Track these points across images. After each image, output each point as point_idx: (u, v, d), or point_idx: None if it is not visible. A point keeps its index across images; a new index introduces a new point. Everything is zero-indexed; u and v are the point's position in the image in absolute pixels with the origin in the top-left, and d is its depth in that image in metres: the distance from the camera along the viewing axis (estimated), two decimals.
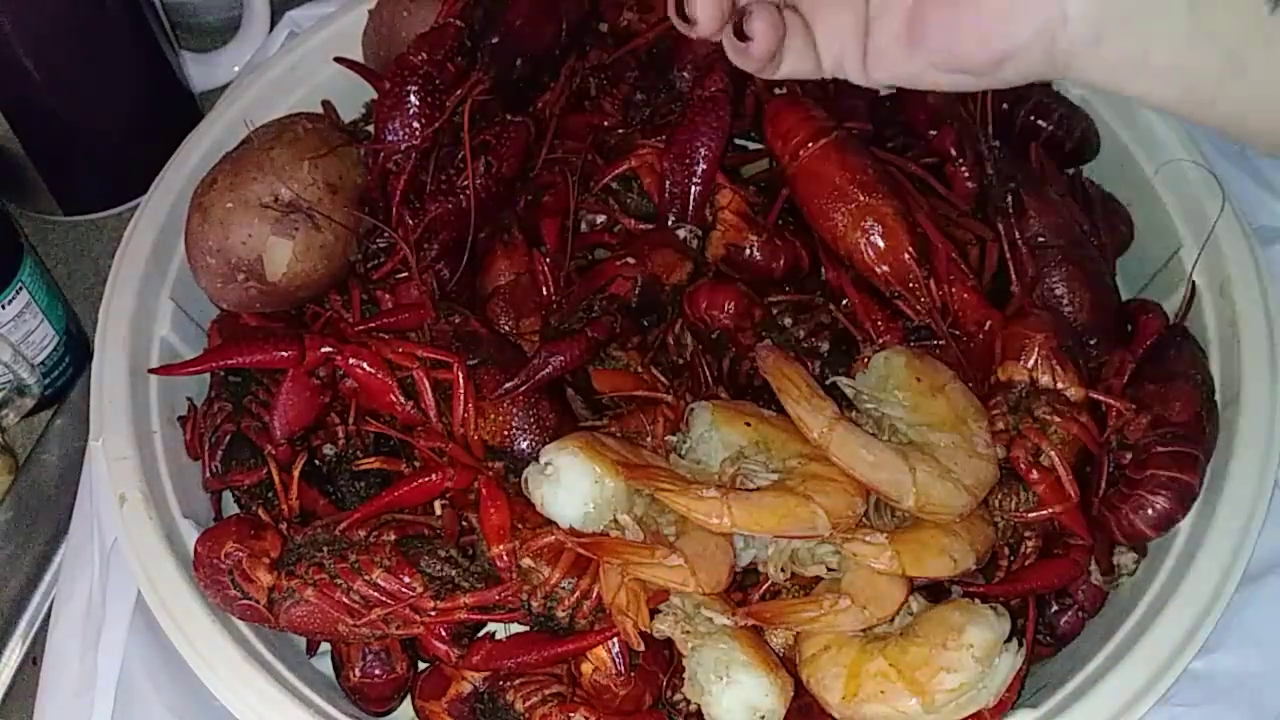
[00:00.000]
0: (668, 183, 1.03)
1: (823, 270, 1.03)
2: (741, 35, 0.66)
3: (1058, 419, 0.89)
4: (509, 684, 0.88)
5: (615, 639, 0.84)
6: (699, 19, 0.65)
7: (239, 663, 0.85)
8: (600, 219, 1.09)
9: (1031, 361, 0.91)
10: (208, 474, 0.99)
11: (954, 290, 0.98)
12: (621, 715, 0.87)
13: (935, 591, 0.87)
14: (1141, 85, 0.63)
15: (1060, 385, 0.91)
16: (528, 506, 0.85)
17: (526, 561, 0.84)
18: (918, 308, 0.97)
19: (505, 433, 0.92)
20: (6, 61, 1.14)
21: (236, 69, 1.37)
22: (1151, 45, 0.61)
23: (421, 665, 0.96)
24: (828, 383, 0.89)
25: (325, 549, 0.87)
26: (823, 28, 0.71)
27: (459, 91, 1.01)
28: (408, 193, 1.01)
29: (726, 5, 0.66)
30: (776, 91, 1.14)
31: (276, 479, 0.94)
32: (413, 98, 0.99)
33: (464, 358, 0.92)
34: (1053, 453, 0.88)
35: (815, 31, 0.71)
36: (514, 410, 0.92)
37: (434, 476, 0.88)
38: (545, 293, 1.03)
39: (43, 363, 1.15)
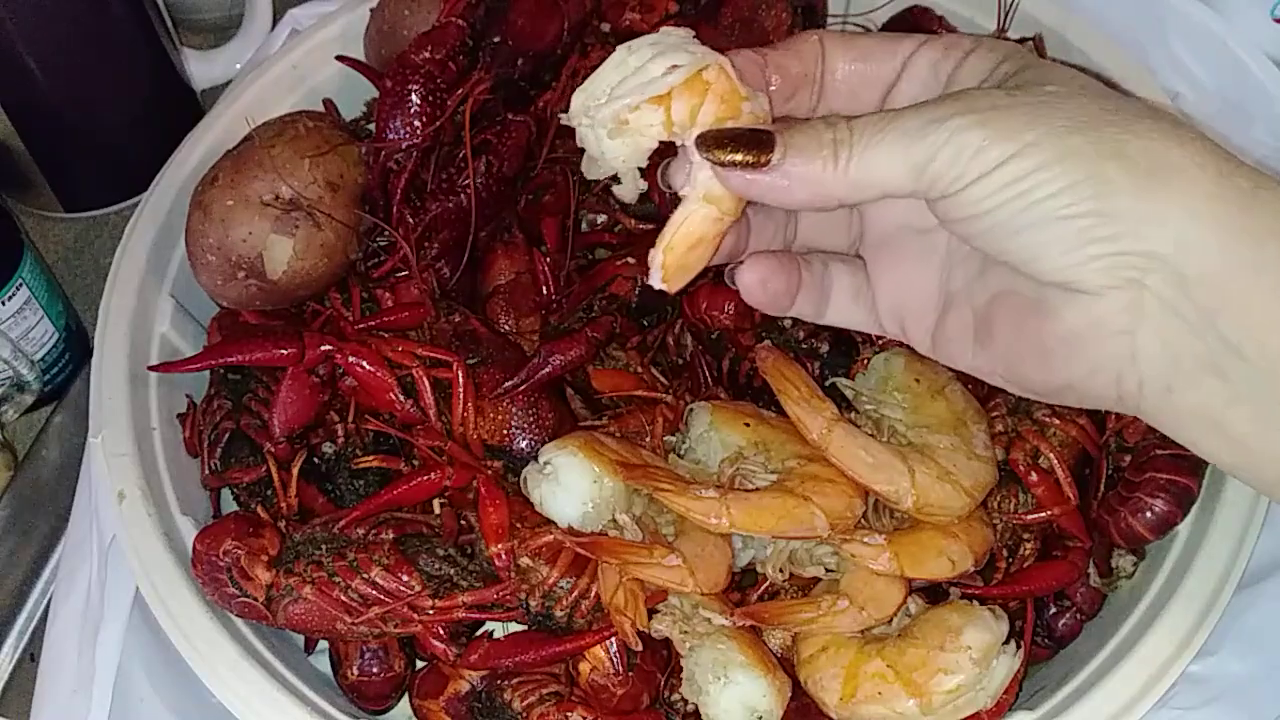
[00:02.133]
0: None
1: None
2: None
3: (1057, 421, 0.89)
4: (507, 683, 0.88)
5: (613, 639, 0.84)
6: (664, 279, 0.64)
7: (237, 660, 0.85)
8: (601, 218, 1.09)
9: None
10: (207, 471, 0.99)
11: None
12: (619, 715, 0.87)
13: (934, 593, 0.87)
14: (1214, 445, 0.59)
15: None
16: (526, 506, 0.85)
17: (525, 560, 0.84)
18: None
19: (504, 432, 0.92)
20: (8, 58, 1.14)
21: (238, 67, 1.37)
22: (1226, 407, 0.57)
23: (419, 664, 0.96)
24: (827, 384, 0.89)
25: (324, 547, 0.87)
26: (885, 293, 0.68)
27: (460, 90, 1.01)
28: (408, 191, 1.01)
29: (731, 243, 0.64)
30: None
31: (275, 477, 0.94)
32: (414, 96, 0.99)
33: (464, 357, 0.92)
34: (1051, 455, 0.88)
35: (875, 291, 0.68)
36: (513, 409, 0.92)
37: (433, 475, 0.88)
38: (545, 292, 1.03)
39: (42, 359, 1.15)
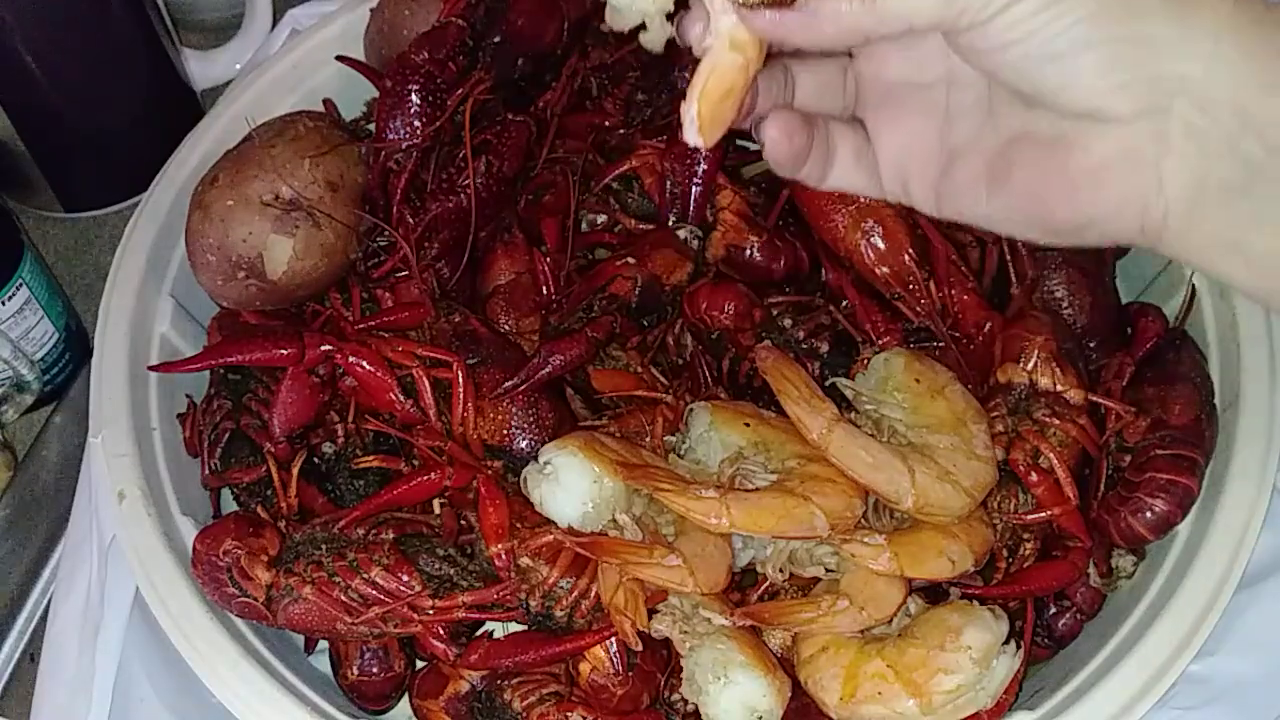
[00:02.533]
0: (668, 183, 1.04)
1: (823, 271, 1.03)
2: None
3: (1057, 421, 0.89)
4: (507, 683, 0.88)
5: (613, 639, 0.84)
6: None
7: (237, 660, 0.85)
8: (601, 219, 1.09)
9: (1031, 364, 0.91)
10: (207, 471, 0.99)
11: (954, 292, 0.98)
12: (619, 715, 0.87)
13: (933, 593, 0.87)
14: (1234, 268, 0.59)
15: (1060, 388, 0.91)
16: (526, 506, 0.85)
17: (525, 560, 0.84)
18: (918, 309, 0.97)
19: (504, 432, 0.92)
20: (8, 58, 1.14)
21: (238, 67, 1.37)
22: (1249, 228, 0.58)
23: (419, 664, 0.96)
24: (827, 384, 0.89)
25: (324, 547, 0.87)
26: (887, 150, 0.67)
27: (460, 90, 1.01)
28: (408, 191, 1.01)
29: (749, 104, 0.63)
30: None
31: (275, 477, 0.94)
32: (414, 96, 0.99)
33: (463, 357, 0.92)
34: (1052, 455, 0.88)
35: (876, 149, 0.68)
36: (513, 409, 0.92)
37: (433, 475, 0.88)
38: (545, 292, 1.03)
39: (42, 359, 1.15)
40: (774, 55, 0.66)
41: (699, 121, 0.60)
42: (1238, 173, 0.56)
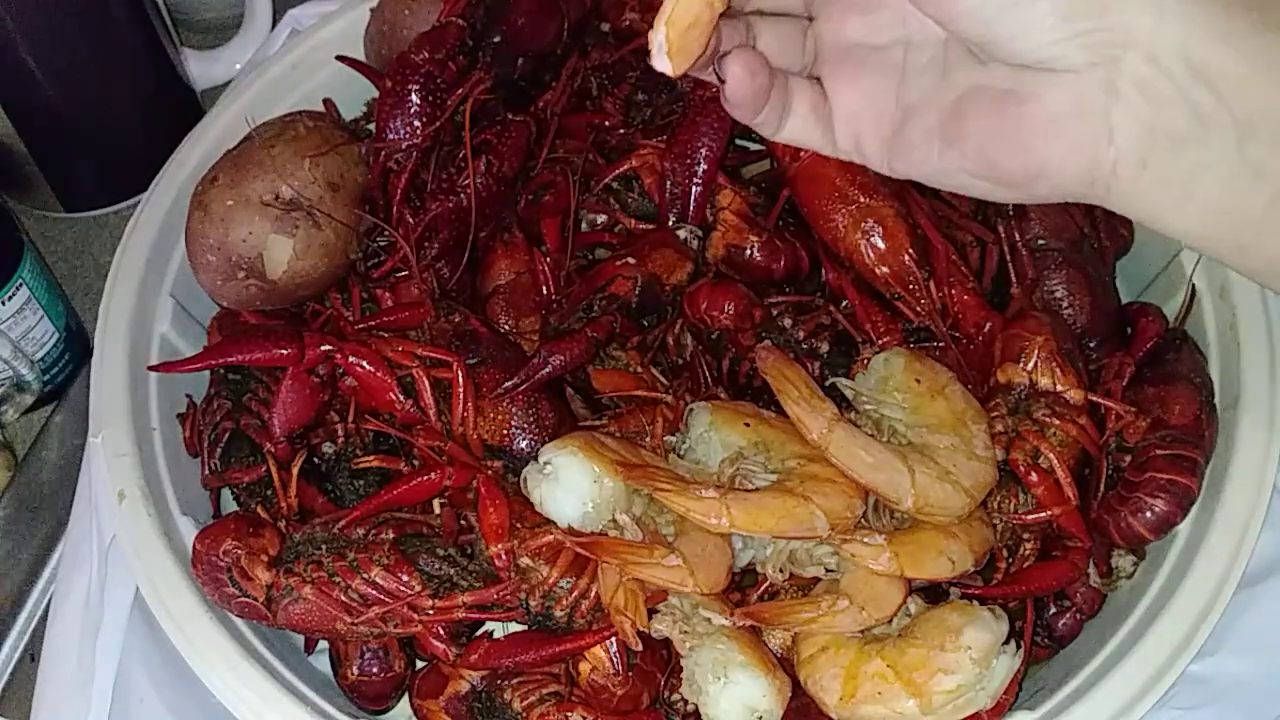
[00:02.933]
0: (668, 183, 1.04)
1: (823, 271, 1.03)
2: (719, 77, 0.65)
3: (1057, 421, 0.89)
4: (507, 683, 0.88)
5: (613, 639, 0.84)
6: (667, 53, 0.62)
7: (237, 660, 0.85)
8: (601, 219, 1.09)
9: (1031, 364, 0.91)
10: (207, 471, 0.99)
11: (954, 292, 0.98)
12: (619, 715, 0.87)
13: (933, 593, 0.87)
14: (1183, 218, 0.61)
15: (1060, 388, 0.91)
16: (526, 506, 0.85)
17: (525, 560, 0.84)
18: (918, 309, 0.97)
19: (504, 432, 0.92)
20: (8, 58, 1.14)
21: (238, 66, 1.37)
22: (1197, 177, 0.59)
23: (419, 664, 0.96)
24: (827, 384, 0.89)
25: (324, 547, 0.87)
26: (843, 106, 0.68)
27: (460, 90, 1.01)
28: (408, 191, 1.01)
29: (713, 46, 0.64)
30: None
31: (275, 477, 0.94)
32: (414, 96, 0.99)
33: (463, 357, 0.92)
34: (1052, 455, 0.88)
35: (833, 105, 0.68)
36: (513, 409, 0.92)
37: (433, 475, 0.88)
38: (545, 292, 1.03)
39: (42, 359, 1.15)
40: (736, 13, 0.68)
41: (667, 46, 0.62)
42: (1187, 122, 0.57)
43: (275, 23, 1.35)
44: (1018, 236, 1.01)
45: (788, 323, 0.99)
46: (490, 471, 0.90)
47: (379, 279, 1.02)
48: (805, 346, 0.98)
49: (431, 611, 0.85)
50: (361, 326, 0.97)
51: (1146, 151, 0.59)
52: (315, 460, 0.97)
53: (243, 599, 0.86)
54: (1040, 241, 1.02)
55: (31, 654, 1.05)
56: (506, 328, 1.02)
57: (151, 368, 1.00)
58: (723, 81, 0.65)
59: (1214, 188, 0.59)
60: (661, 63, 0.63)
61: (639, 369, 0.98)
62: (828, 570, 0.84)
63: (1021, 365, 0.91)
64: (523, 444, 0.91)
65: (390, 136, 0.99)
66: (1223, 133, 0.58)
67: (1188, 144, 0.58)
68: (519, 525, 0.85)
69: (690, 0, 0.62)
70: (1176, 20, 0.56)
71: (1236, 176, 0.59)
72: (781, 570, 0.84)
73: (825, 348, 0.98)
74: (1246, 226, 0.60)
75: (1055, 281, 1.00)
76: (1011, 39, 0.58)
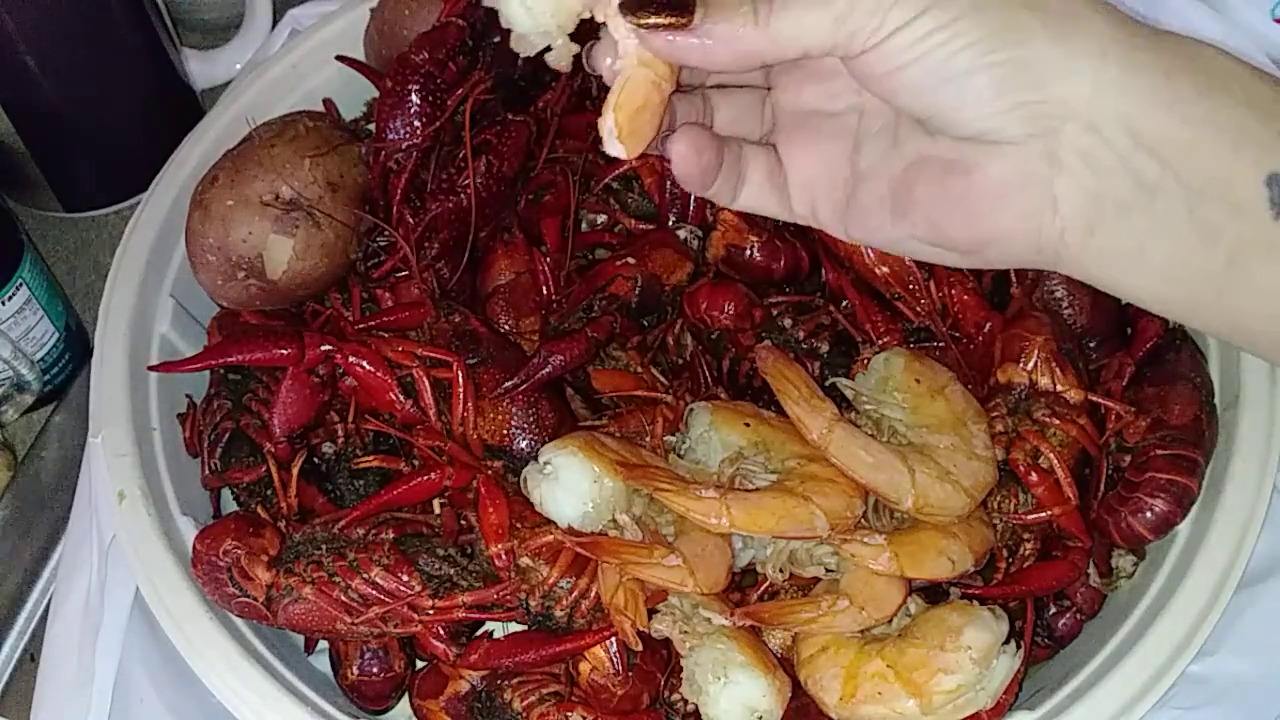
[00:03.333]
0: (668, 183, 1.04)
1: (823, 271, 1.03)
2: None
3: (1057, 421, 0.89)
4: (507, 683, 0.88)
5: (613, 639, 0.84)
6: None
7: (237, 660, 0.85)
8: (601, 219, 1.09)
9: (1031, 364, 0.91)
10: (207, 471, 0.99)
11: (954, 292, 0.98)
12: (619, 715, 0.87)
13: (933, 593, 0.87)
14: (1137, 282, 0.61)
15: (1059, 388, 0.91)
16: (526, 506, 0.85)
17: (525, 560, 0.84)
18: (917, 309, 0.97)
19: (504, 432, 0.92)
20: (8, 58, 1.14)
21: (238, 67, 1.37)
22: (1148, 241, 0.59)
23: (419, 664, 0.96)
24: (827, 384, 0.89)
25: (324, 547, 0.87)
26: (797, 172, 0.69)
27: (460, 90, 1.01)
28: (408, 191, 1.01)
29: (666, 123, 0.65)
30: None
31: (275, 477, 0.94)
32: (414, 96, 0.99)
33: (463, 357, 0.92)
34: (1051, 455, 0.88)
35: (787, 171, 0.69)
36: (513, 409, 0.92)
37: (433, 475, 0.88)
38: (545, 292, 1.03)
39: (42, 359, 1.15)
40: (693, 87, 0.69)
41: (617, 131, 0.63)
42: (1133, 190, 0.58)
43: (275, 23, 1.35)
44: None
45: (788, 323, 0.99)
46: (490, 471, 0.90)
47: (379, 279, 1.02)
48: (805, 346, 0.98)
49: (431, 611, 0.85)
50: (361, 326, 0.97)
51: (1092, 220, 0.59)
52: (315, 460, 0.97)
53: (243, 599, 0.86)
54: None
55: (31, 654, 1.05)
56: (506, 328, 1.02)
57: (151, 368, 1.00)
58: (668, 161, 0.65)
59: (1166, 252, 0.59)
60: (614, 148, 0.63)
61: (639, 369, 0.98)
62: (828, 570, 0.84)
63: (1021, 365, 0.91)
64: (523, 444, 0.91)
65: (390, 136, 0.99)
66: (1170, 199, 0.58)
67: (1135, 211, 0.58)
68: (519, 525, 0.85)
69: (637, 85, 0.62)
70: (1115, 90, 0.56)
71: (1189, 241, 0.58)
72: (781, 570, 0.84)
73: (825, 348, 0.98)
74: (1203, 288, 0.60)
75: (1055, 281, 1.00)
76: (951, 113, 0.58)
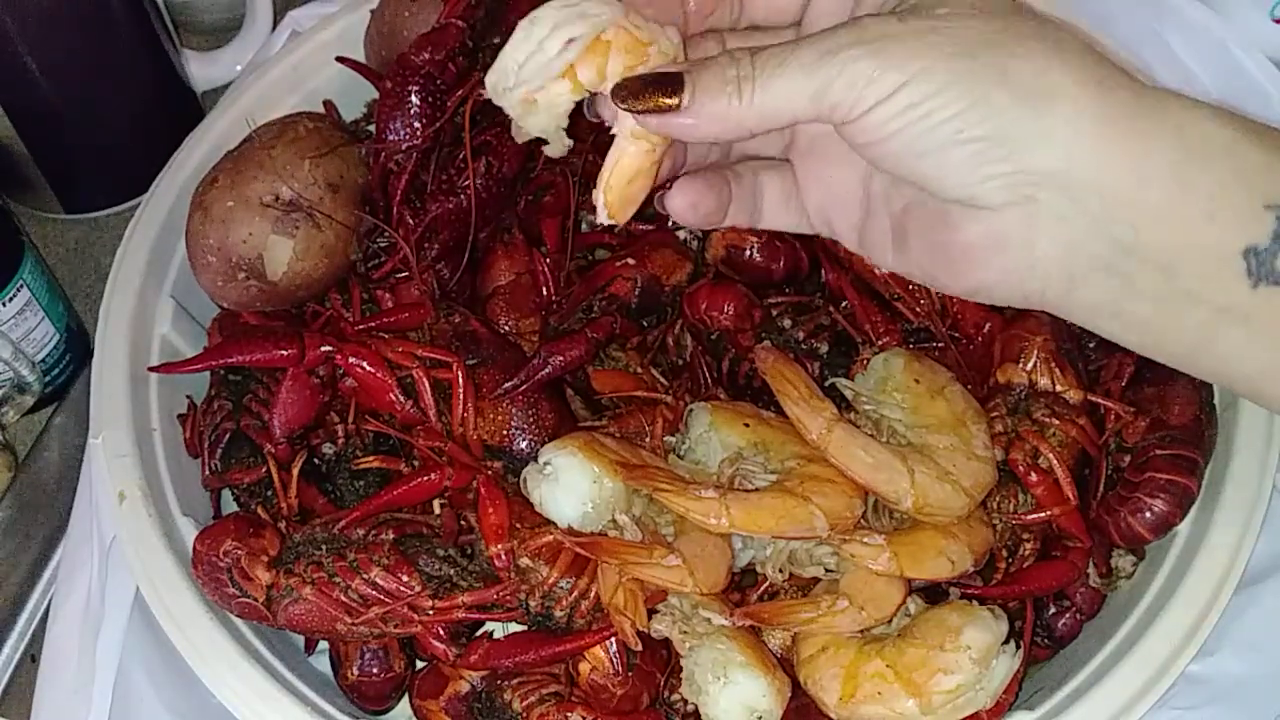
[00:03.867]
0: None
1: (822, 272, 1.03)
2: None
3: (1056, 421, 0.89)
4: (507, 683, 0.88)
5: (613, 639, 0.84)
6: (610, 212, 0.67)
7: (237, 660, 0.85)
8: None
9: (1030, 364, 0.91)
10: (207, 472, 0.99)
11: None
12: (619, 715, 0.87)
13: (933, 593, 0.87)
14: (1116, 332, 0.63)
15: (1059, 388, 0.91)
16: (526, 506, 0.86)
17: (525, 561, 0.85)
18: (917, 310, 0.97)
19: (504, 432, 0.92)
20: (8, 59, 1.15)
21: (238, 68, 1.37)
22: (1125, 301, 0.61)
23: (419, 664, 0.96)
24: (827, 384, 0.89)
25: (324, 547, 0.87)
26: (811, 196, 0.71)
27: (460, 91, 1.01)
28: (408, 192, 1.01)
29: (663, 174, 0.67)
30: None
31: (276, 477, 0.94)
32: (414, 98, 0.99)
33: (463, 357, 0.92)
34: (1051, 455, 0.88)
35: (803, 195, 0.71)
36: (513, 410, 0.92)
37: (433, 476, 0.88)
38: (545, 293, 1.03)
39: (43, 360, 1.15)
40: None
41: (609, 208, 0.66)
42: (1110, 250, 0.59)
43: (275, 24, 1.35)
44: None
45: (787, 323, 0.99)
46: (490, 472, 0.90)
47: (379, 280, 1.02)
48: (805, 347, 0.98)
49: (431, 612, 0.85)
50: (362, 327, 0.97)
51: (1071, 279, 0.61)
52: (315, 461, 0.97)
53: (243, 599, 0.86)
54: None
55: (32, 654, 1.05)
56: (506, 328, 1.02)
57: (152, 369, 1.00)
58: (667, 215, 0.68)
59: (1146, 312, 0.61)
60: (605, 219, 0.66)
61: (639, 369, 0.98)
62: (827, 570, 0.84)
63: (1021, 365, 0.91)
64: (522, 444, 0.92)
65: (390, 137, 0.99)
66: (1146, 263, 0.59)
67: (1114, 270, 0.60)
68: (519, 525, 0.85)
69: (629, 159, 0.65)
70: (1088, 159, 0.58)
71: (1169, 300, 0.60)
72: (781, 570, 0.84)
73: (825, 348, 0.98)
74: (1183, 347, 0.62)
75: None
76: (934, 180, 0.60)
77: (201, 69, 1.39)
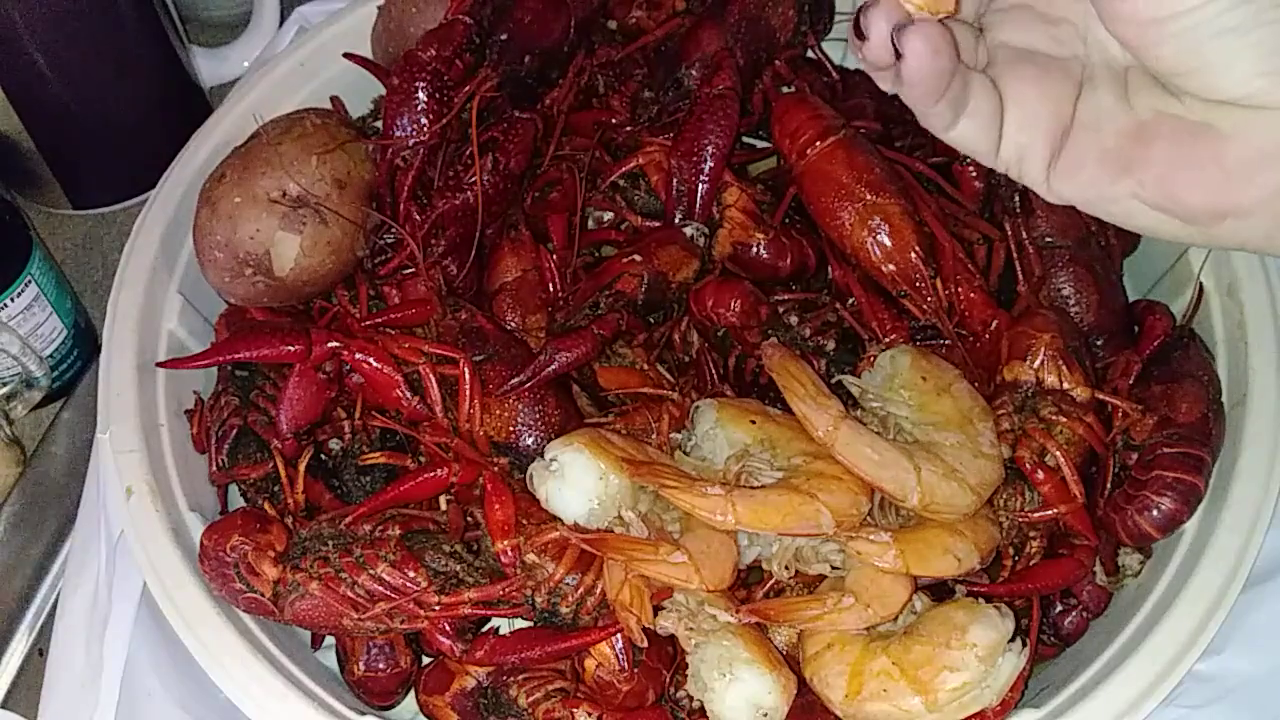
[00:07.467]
0: (675, 180, 1.03)
1: (829, 269, 1.03)
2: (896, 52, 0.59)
3: (1063, 419, 0.89)
4: (512, 679, 0.88)
5: (619, 635, 0.84)
6: (871, 36, 0.58)
7: (244, 655, 0.85)
8: (607, 216, 1.09)
9: (1038, 362, 0.91)
10: (214, 467, 0.99)
11: (960, 290, 0.98)
12: (624, 711, 0.87)
13: (939, 591, 0.87)
14: None
15: (1066, 386, 0.91)
16: (532, 502, 0.86)
17: (531, 557, 0.85)
18: (924, 307, 0.97)
19: (511, 428, 0.92)
20: (17, 55, 1.15)
21: (246, 64, 1.37)
22: None
23: (425, 660, 0.97)
24: (833, 381, 0.89)
25: (330, 543, 0.87)
26: (1019, 109, 0.63)
27: (467, 88, 1.01)
28: (415, 189, 1.01)
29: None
30: (784, 89, 1.14)
31: (283, 473, 0.94)
32: (421, 94, 0.99)
33: (470, 353, 0.93)
34: (1058, 453, 0.88)
35: (1008, 109, 0.63)
36: (519, 406, 0.92)
37: (439, 472, 0.88)
38: (552, 289, 1.03)
39: (51, 355, 1.15)
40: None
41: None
42: None
43: (283, 20, 1.35)
44: (1025, 234, 1.01)
45: (794, 320, 0.99)
46: (496, 468, 0.90)
47: (386, 276, 1.03)
48: (811, 344, 0.98)
49: (438, 607, 0.85)
50: (368, 323, 0.97)
51: None
52: (322, 456, 0.98)
53: (250, 594, 0.86)
54: (1047, 239, 1.02)
55: (40, 648, 1.05)
56: (513, 325, 1.02)
57: (159, 364, 1.00)
58: (900, 56, 0.59)
59: None
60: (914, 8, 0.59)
61: (645, 366, 0.98)
62: (833, 568, 0.84)
63: (1028, 363, 0.91)
64: (529, 441, 0.92)
65: (397, 134, 0.99)
66: None
67: None
68: (525, 522, 0.86)
69: None
70: None
71: None
72: (787, 567, 0.84)
73: (831, 345, 0.98)
74: None
75: (1062, 279, 1.00)
76: (1216, 71, 0.54)
77: (209, 65, 1.39)
